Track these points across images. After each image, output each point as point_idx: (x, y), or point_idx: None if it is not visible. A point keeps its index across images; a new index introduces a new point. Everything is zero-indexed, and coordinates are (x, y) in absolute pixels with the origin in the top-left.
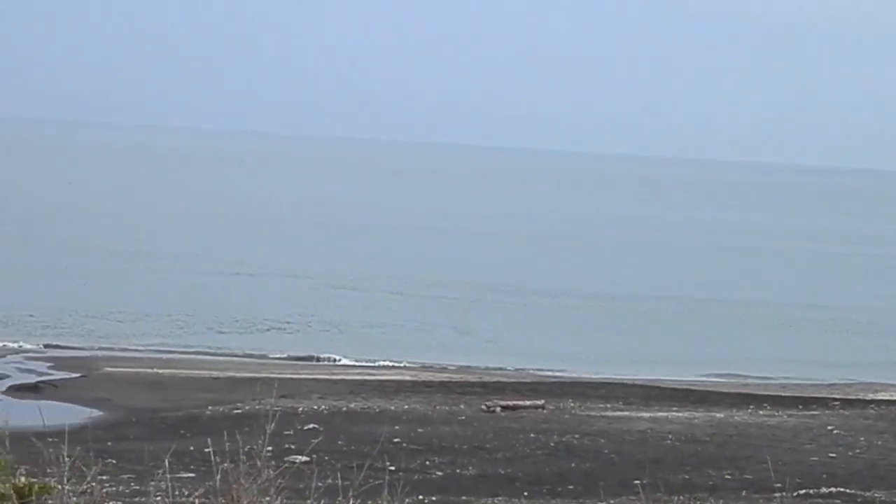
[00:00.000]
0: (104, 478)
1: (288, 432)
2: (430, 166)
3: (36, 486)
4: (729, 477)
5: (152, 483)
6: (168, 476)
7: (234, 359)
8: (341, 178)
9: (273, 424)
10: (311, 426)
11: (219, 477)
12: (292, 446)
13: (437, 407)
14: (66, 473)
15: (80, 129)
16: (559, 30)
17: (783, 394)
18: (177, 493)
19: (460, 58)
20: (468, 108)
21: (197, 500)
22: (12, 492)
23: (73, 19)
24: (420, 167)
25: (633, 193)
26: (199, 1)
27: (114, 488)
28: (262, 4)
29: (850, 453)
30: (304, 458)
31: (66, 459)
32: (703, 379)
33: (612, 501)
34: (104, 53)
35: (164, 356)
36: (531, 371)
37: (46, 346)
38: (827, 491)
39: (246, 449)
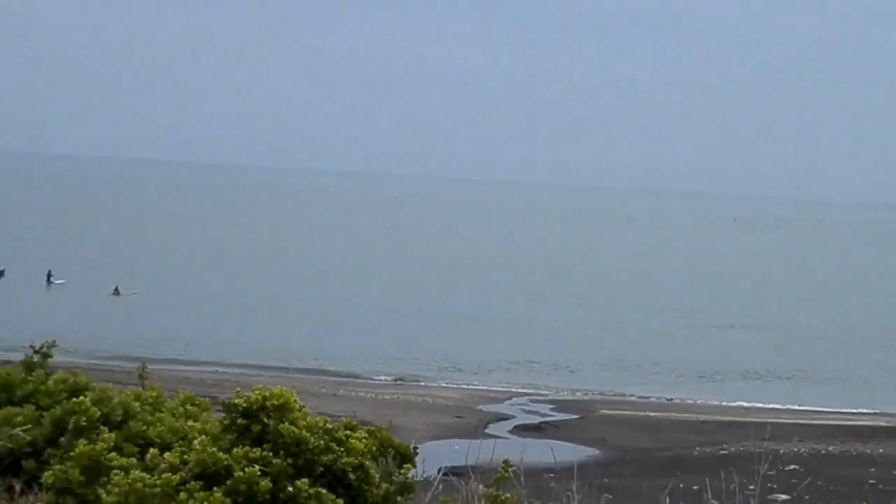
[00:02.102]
0: None
1: (770, 472)
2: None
3: None
4: None
5: None
6: None
7: (719, 404)
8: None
9: (765, 465)
10: (791, 467)
11: None
12: (774, 486)
13: None
14: None
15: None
16: None
17: None
18: None
19: None
20: None
21: None
22: None
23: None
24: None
25: None
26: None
27: None
28: None
29: None
30: (786, 497)
31: (574, 495)
32: None
33: None
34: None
35: (654, 401)
36: None
37: (548, 390)
38: None
39: (732, 488)
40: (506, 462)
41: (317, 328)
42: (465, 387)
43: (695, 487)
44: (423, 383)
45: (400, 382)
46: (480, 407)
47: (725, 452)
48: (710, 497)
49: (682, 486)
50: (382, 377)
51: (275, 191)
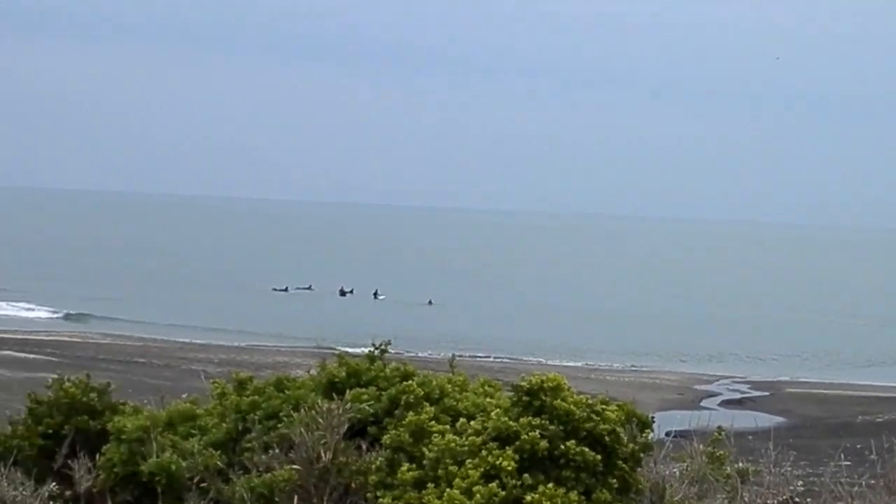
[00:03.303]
0: (789, 465)
1: None
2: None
3: (750, 469)
4: None
5: (821, 468)
6: (834, 463)
7: (873, 384)
8: None
9: None
10: None
11: (878, 463)
12: None
13: None
14: (771, 462)
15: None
16: None
17: None
18: (840, 475)
19: None
20: None
21: (863, 481)
22: (726, 478)
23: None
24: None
25: None
26: None
27: (796, 472)
28: None
29: None
30: None
31: (771, 452)
32: None
33: None
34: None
35: (825, 381)
36: None
37: (744, 374)
38: None
39: (888, 446)
40: (719, 428)
41: (576, 331)
42: (684, 372)
43: (858, 446)
44: (652, 369)
45: (635, 368)
46: (696, 386)
47: (881, 420)
48: (873, 453)
49: (848, 445)
50: (621, 365)
51: (479, 228)
